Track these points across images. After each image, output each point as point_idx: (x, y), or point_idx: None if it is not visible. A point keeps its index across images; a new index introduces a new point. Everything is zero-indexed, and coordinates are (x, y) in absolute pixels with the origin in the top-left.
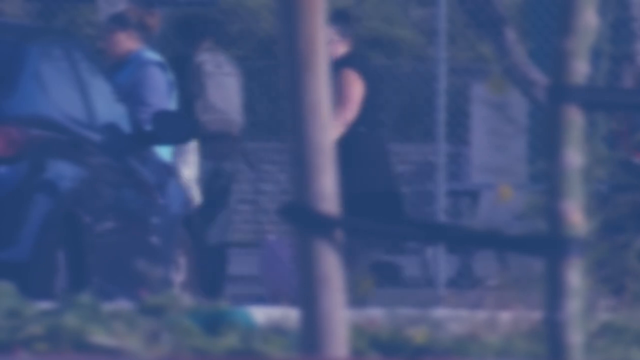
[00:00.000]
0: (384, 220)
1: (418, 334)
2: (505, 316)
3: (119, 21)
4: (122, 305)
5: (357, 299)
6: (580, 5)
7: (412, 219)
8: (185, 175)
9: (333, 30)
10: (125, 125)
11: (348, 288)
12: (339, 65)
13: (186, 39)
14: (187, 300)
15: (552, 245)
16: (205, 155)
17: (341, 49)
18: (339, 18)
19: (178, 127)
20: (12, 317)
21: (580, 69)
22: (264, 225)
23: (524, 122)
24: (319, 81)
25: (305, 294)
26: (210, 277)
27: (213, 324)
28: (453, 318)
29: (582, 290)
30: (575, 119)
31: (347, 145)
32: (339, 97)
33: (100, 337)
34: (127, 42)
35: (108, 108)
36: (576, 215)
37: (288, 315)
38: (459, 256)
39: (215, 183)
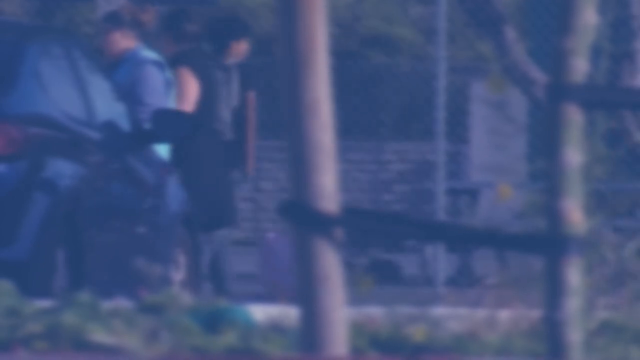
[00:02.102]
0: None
1: (417, 333)
2: (505, 315)
3: (113, 20)
4: (122, 303)
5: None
6: (580, 3)
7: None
8: None
9: (163, 28)
10: (125, 124)
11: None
12: (173, 63)
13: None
14: (186, 298)
15: (551, 244)
16: None
17: (176, 45)
18: (171, 17)
19: (177, 125)
20: (12, 316)
21: (580, 68)
22: (263, 223)
23: (524, 120)
24: (319, 79)
25: (305, 292)
26: None
27: (212, 322)
28: (452, 316)
29: (581, 289)
30: (574, 117)
31: (186, 144)
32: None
33: (99, 335)
34: (123, 41)
35: (107, 106)
36: (575, 214)
37: (287, 313)
38: (459, 255)
39: None
